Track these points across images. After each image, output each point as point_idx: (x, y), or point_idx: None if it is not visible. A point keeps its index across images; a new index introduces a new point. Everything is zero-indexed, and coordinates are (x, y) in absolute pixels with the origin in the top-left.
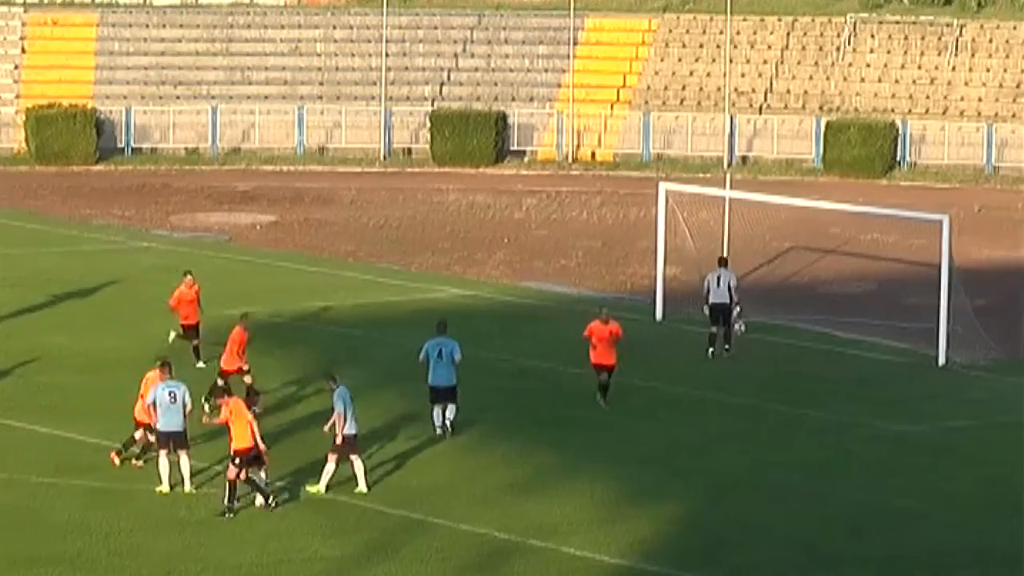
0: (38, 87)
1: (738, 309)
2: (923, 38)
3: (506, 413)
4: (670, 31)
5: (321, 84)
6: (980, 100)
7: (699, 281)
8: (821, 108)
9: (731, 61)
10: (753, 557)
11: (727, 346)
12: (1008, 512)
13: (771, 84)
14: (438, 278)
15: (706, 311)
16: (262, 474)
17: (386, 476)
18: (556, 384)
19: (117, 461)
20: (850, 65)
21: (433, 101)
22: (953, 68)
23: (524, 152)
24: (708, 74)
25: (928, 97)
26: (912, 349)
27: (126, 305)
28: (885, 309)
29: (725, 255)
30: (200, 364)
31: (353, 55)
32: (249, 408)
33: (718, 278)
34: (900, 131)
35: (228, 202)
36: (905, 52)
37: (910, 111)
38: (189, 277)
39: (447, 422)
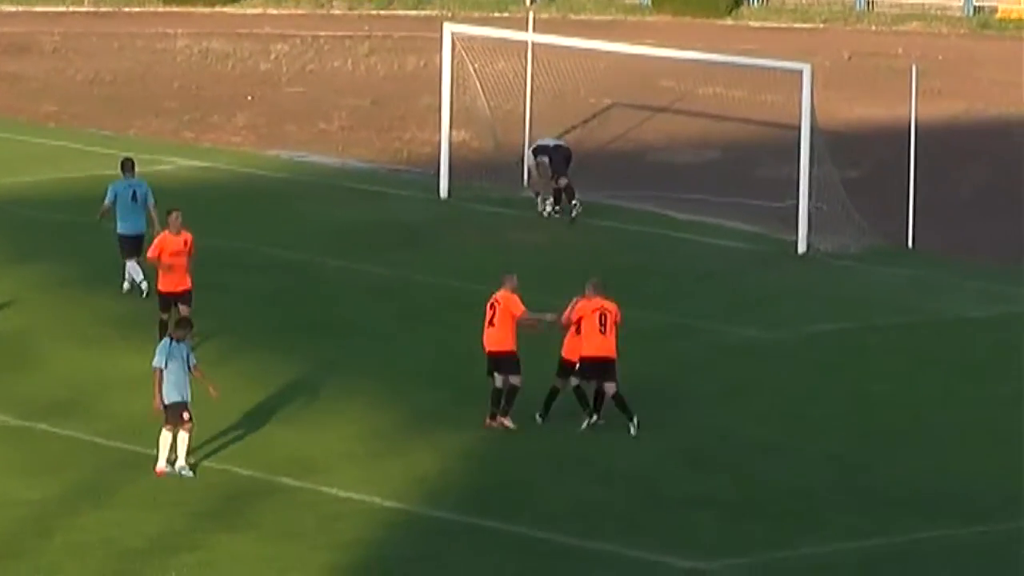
0: None
1: (575, 203)
2: None
3: (251, 319)
4: None
5: None
6: None
7: (495, 150)
8: None
9: None
10: (570, 499)
11: (575, 202)
12: (883, 440)
13: None
14: (164, 146)
15: (530, 189)
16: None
17: (95, 400)
18: (315, 281)
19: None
20: None
21: None
22: None
23: None
24: None
25: None
26: (765, 234)
27: None
28: (731, 183)
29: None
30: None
31: None
32: None
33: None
34: None
35: None
36: None
37: None
38: (175, 216)
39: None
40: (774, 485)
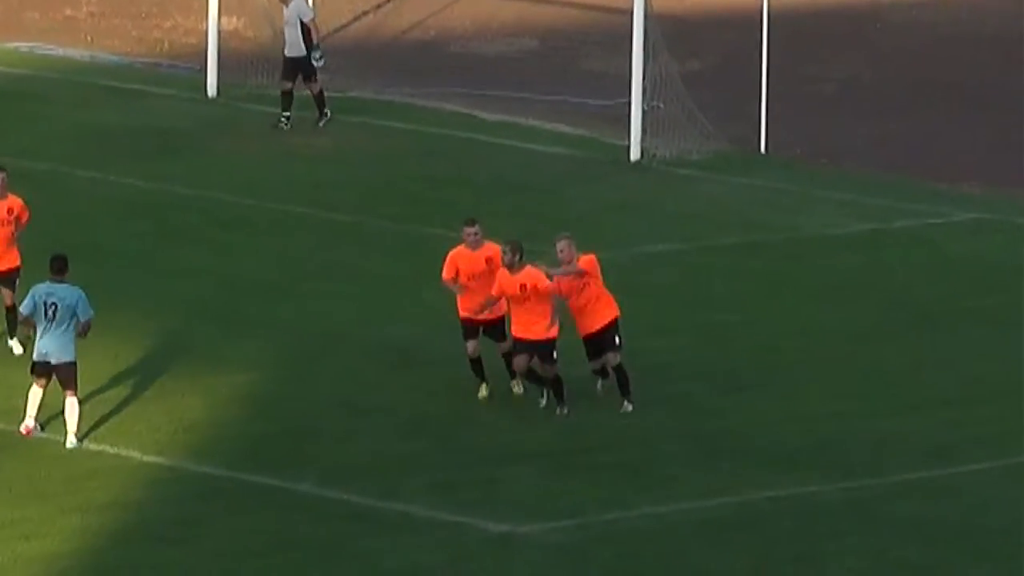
0: None
1: (319, 57)
2: None
3: None
4: None
5: None
6: None
7: (273, 40)
8: None
9: None
10: (366, 453)
11: (324, 111)
12: (732, 380)
13: None
14: None
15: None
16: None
17: None
18: (62, 195)
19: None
20: None
21: None
22: None
23: None
24: None
25: None
26: (591, 137)
27: None
28: (551, 78)
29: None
30: (15, 346)
31: None
32: None
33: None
34: None
35: None
36: None
37: None
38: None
39: None
40: (605, 434)
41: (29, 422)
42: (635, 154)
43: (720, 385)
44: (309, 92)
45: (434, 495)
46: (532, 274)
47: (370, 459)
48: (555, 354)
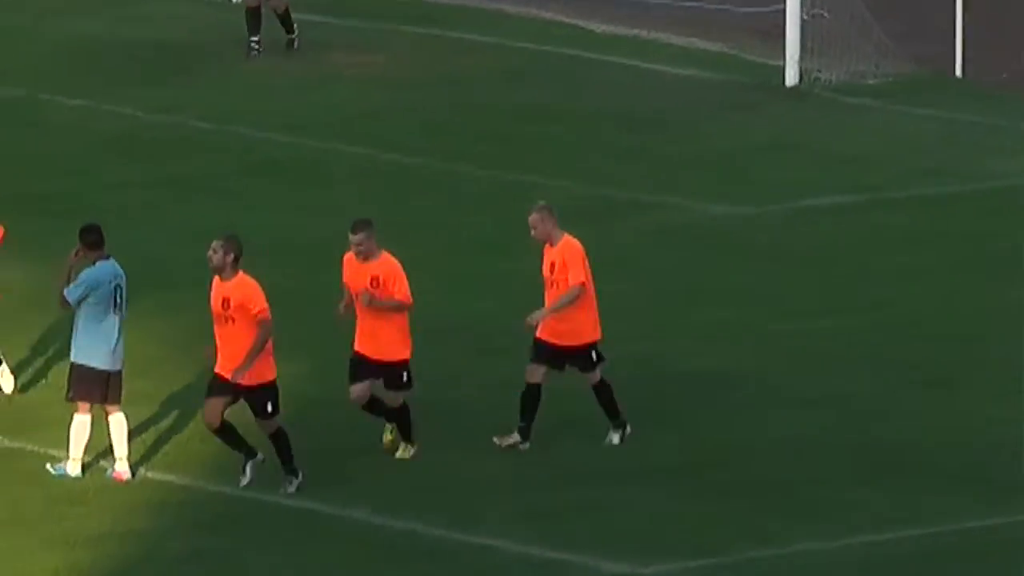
0: None
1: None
2: None
3: None
4: None
5: None
6: None
7: None
8: None
9: None
10: (432, 462)
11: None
12: (906, 374)
13: None
14: None
15: None
16: None
17: None
18: (41, 129)
19: None
20: None
21: None
22: None
23: None
24: None
25: None
26: (734, 55)
27: None
28: None
29: None
30: (5, 384)
31: None
32: None
33: None
34: None
35: None
36: None
37: None
38: None
39: None
40: (741, 446)
41: (75, 467)
42: (791, 77)
43: (900, 382)
44: (273, 9)
45: (526, 525)
46: (242, 287)
47: (440, 476)
48: (274, 405)
